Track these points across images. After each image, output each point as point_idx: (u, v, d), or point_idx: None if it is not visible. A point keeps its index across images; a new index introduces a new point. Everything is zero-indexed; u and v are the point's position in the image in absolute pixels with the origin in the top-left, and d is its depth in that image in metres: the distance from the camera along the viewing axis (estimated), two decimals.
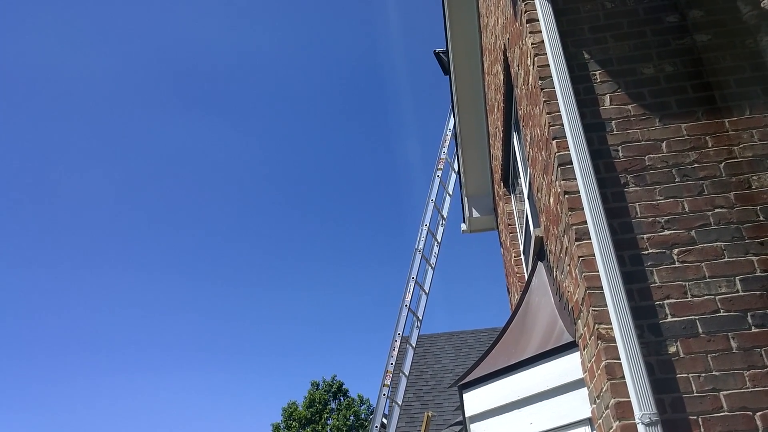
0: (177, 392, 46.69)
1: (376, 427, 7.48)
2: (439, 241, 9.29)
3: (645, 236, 3.31)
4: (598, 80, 3.82)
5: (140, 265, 50.22)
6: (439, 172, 9.61)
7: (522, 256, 7.12)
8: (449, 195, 9.72)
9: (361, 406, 28.03)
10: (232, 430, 44.69)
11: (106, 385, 45.92)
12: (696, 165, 3.48)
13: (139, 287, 50.19)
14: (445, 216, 9.52)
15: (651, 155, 3.55)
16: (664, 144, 3.58)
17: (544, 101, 3.82)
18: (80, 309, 47.76)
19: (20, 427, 41.27)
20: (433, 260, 9.07)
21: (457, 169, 9.52)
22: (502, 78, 5.95)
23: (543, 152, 4.07)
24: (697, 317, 3.07)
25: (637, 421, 2.77)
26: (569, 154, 3.52)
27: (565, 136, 3.56)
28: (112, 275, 49.03)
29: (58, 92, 48.62)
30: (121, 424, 42.14)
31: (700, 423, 2.83)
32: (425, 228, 9.09)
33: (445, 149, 9.85)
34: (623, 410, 2.88)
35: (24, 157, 48.93)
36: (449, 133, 9.79)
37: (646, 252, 3.27)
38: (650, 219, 3.36)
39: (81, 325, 48.41)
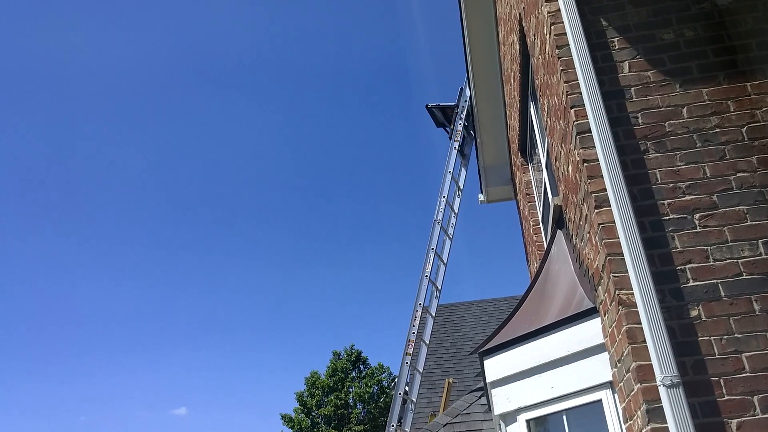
0: (202, 368, 47.69)
1: (399, 393, 7.63)
2: (457, 212, 9.31)
3: (666, 202, 3.33)
4: (617, 47, 3.80)
5: (169, 244, 50.90)
6: (456, 144, 9.58)
7: (541, 225, 7.14)
8: (466, 166, 9.71)
9: (382, 374, 28.47)
10: (257, 401, 45.78)
11: (133, 362, 47.01)
12: (717, 130, 3.47)
13: (166, 266, 50.94)
14: (462, 187, 9.53)
15: (671, 121, 3.54)
16: (684, 110, 3.56)
17: (562, 70, 3.81)
18: (103, 293, 48.62)
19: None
20: (450, 231, 9.11)
21: (473, 140, 9.50)
22: (518, 48, 5.91)
23: (561, 121, 4.07)
24: (719, 281, 3.10)
25: (658, 383, 2.82)
26: (588, 122, 3.52)
27: (584, 105, 3.56)
28: (140, 254, 49.74)
29: (76, 81, 48.81)
30: (156, 399, 43.20)
31: (722, 384, 2.88)
32: (443, 199, 9.11)
33: (461, 121, 9.81)
34: (644, 373, 2.93)
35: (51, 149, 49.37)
36: (465, 105, 9.74)
37: (667, 218, 3.29)
38: (671, 185, 3.37)
39: (107, 306, 49.32)
